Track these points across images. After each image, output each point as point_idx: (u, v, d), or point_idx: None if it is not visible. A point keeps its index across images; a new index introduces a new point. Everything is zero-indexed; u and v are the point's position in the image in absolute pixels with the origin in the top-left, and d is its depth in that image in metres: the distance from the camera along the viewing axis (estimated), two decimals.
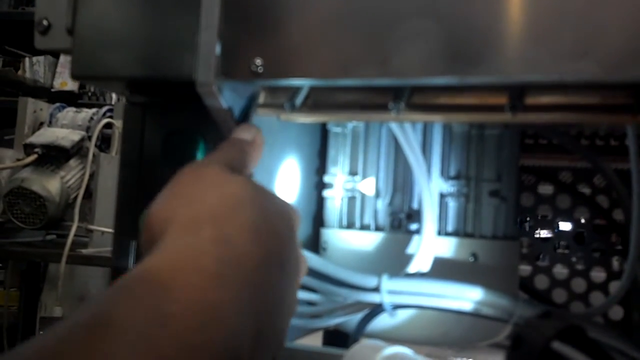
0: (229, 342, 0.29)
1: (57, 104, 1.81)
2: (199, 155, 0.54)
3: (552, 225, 0.76)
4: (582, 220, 0.75)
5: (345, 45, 0.46)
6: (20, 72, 3.00)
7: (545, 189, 0.77)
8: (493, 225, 0.63)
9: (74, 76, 0.52)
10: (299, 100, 0.53)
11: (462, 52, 0.43)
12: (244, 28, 0.48)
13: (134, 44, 0.49)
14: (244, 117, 0.55)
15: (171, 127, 0.55)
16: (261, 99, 0.55)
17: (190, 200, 0.36)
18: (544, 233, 0.76)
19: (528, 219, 0.76)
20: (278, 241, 0.35)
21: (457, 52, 0.43)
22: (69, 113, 1.77)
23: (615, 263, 0.74)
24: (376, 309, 0.57)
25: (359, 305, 0.58)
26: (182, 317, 0.28)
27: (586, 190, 0.75)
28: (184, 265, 0.31)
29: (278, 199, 0.39)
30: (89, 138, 1.69)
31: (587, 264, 0.74)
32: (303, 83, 0.51)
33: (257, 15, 0.48)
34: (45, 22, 0.56)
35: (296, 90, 0.54)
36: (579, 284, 0.74)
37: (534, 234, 0.76)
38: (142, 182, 0.56)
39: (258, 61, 0.48)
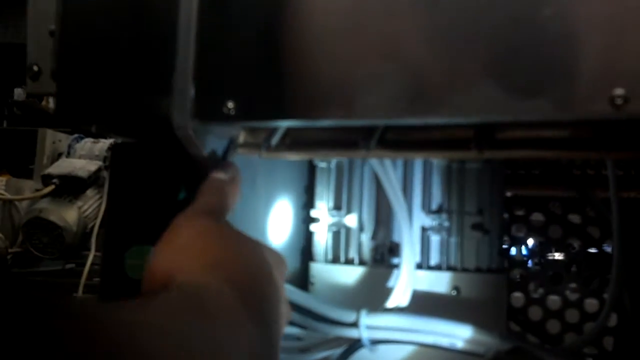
0: None
1: (76, 135, 1.85)
2: (181, 195, 0.56)
3: (544, 256, 0.76)
4: (575, 250, 0.75)
5: (312, 88, 0.47)
6: (44, 103, 3.06)
7: (537, 219, 0.77)
8: (476, 258, 0.63)
9: (58, 120, 0.54)
10: (275, 140, 0.55)
11: (421, 93, 0.44)
12: (216, 71, 0.50)
13: (112, 88, 0.51)
14: (223, 157, 0.56)
15: (155, 168, 0.56)
16: (241, 138, 0.57)
17: (195, 254, 0.38)
18: (535, 263, 0.76)
19: (518, 249, 0.76)
20: (271, 285, 0.40)
21: (417, 94, 0.44)
22: (87, 144, 1.81)
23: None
24: (355, 344, 0.57)
25: (339, 341, 0.58)
26: None
27: (577, 220, 0.75)
28: None
29: (267, 247, 0.44)
30: (106, 168, 1.72)
31: (581, 294, 0.74)
32: (274, 124, 0.52)
33: (229, 58, 0.49)
34: (35, 68, 0.58)
35: (274, 130, 0.55)
36: (572, 315, 0.74)
37: (525, 265, 0.76)
38: (129, 219, 0.57)
39: (230, 104, 0.49)
